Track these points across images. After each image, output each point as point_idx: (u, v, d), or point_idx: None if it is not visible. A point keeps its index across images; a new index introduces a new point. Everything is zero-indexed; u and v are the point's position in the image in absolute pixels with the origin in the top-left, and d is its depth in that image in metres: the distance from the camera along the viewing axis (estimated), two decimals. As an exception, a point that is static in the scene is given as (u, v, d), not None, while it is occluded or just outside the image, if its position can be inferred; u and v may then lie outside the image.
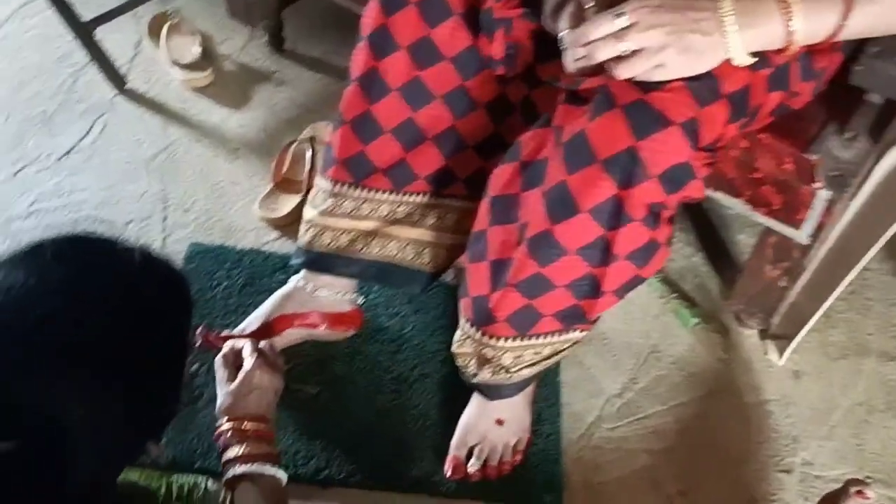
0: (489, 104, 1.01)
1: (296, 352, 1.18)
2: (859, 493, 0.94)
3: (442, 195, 1.08)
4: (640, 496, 1.12)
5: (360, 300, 1.23)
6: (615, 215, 0.82)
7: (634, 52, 0.76)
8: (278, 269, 1.31)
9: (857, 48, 0.87)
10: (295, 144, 1.43)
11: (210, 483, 1.01)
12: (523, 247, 0.88)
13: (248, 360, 1.00)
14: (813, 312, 1.17)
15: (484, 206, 0.95)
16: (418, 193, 1.07)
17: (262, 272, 1.30)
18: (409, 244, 1.12)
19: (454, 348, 1.04)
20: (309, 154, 1.41)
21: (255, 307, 1.21)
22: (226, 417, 0.95)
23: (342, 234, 1.09)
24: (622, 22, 0.76)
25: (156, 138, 1.52)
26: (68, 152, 1.49)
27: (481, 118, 1.02)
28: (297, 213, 1.38)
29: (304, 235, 1.11)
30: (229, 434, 0.93)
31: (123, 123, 1.54)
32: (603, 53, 0.76)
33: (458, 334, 1.03)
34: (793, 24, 0.75)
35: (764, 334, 1.27)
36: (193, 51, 1.62)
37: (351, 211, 1.07)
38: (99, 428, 0.60)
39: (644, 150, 0.78)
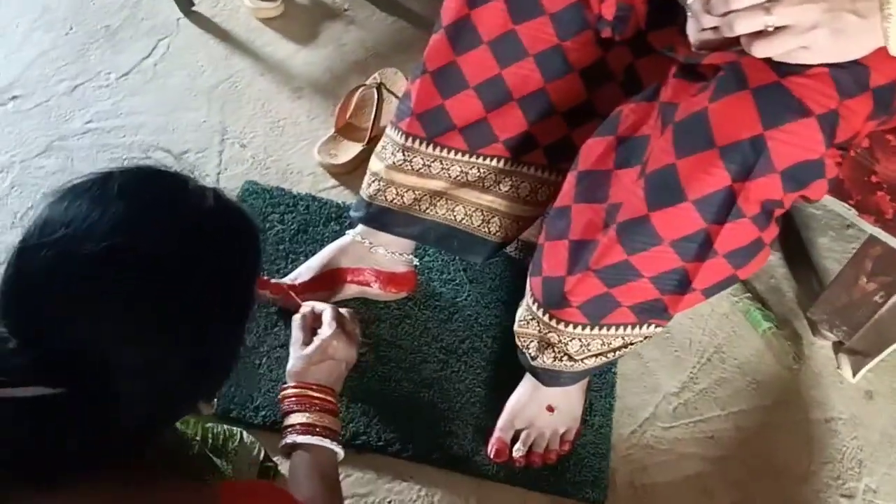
0: (586, 69, 0.92)
1: (344, 307, 1.13)
2: None
3: (519, 162, 1.01)
4: (685, 502, 1.06)
5: (416, 262, 1.17)
6: (724, 208, 0.74)
7: (779, 28, 0.66)
8: (333, 218, 1.25)
9: None
10: (361, 89, 1.36)
11: (245, 435, 0.97)
12: (612, 230, 0.81)
13: (327, 328, 0.94)
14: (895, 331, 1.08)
15: (570, 180, 0.88)
16: (494, 158, 1.00)
17: (317, 220, 1.24)
18: (476, 210, 1.05)
19: (517, 327, 0.98)
20: (375, 101, 1.34)
21: (307, 256, 1.17)
22: (294, 382, 0.91)
23: (408, 191, 1.03)
24: None
25: (218, 67, 1.46)
26: (129, 72, 1.44)
27: (575, 83, 0.93)
28: (357, 161, 1.32)
29: (368, 188, 1.05)
30: (295, 400, 0.89)
31: (187, 47, 1.48)
32: (743, 26, 0.67)
33: (521, 312, 0.97)
34: None
35: (839, 348, 1.18)
36: (266, -21, 1.55)
37: (420, 168, 1.01)
38: (155, 377, 0.56)
39: (773, 140, 0.70)
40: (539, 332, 0.93)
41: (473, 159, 1.00)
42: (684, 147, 0.75)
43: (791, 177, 0.75)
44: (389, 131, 1.02)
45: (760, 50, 0.68)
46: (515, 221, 1.06)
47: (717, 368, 1.17)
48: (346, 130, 1.35)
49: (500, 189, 1.03)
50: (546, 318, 0.91)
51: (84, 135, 1.35)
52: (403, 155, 1.00)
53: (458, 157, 1.00)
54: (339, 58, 1.50)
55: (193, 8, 1.53)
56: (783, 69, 0.70)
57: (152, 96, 1.40)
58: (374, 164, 1.05)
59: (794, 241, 1.33)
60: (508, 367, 1.07)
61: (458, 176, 1.01)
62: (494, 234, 1.07)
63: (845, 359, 1.17)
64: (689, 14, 0.72)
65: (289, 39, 1.52)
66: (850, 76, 0.70)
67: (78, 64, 1.44)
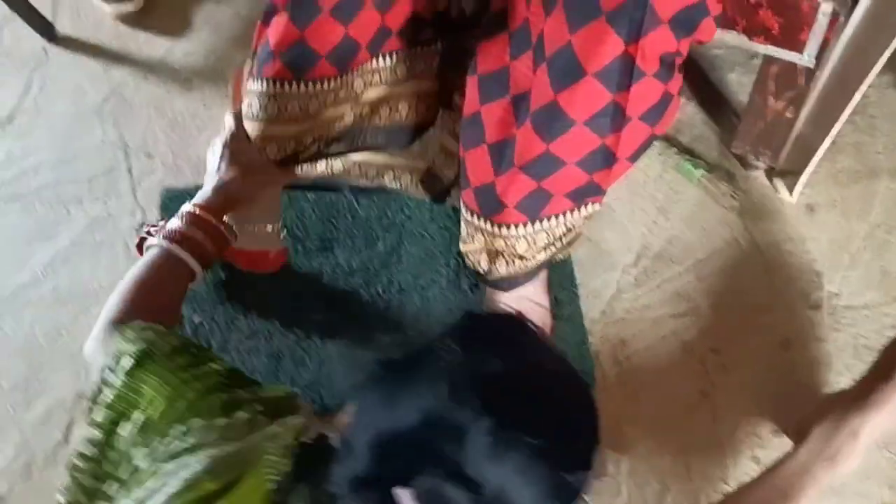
0: None
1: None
2: None
3: (382, 55, 1.01)
4: (672, 362, 1.10)
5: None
6: (626, 74, 0.76)
7: None
8: (259, 198, 1.24)
9: None
10: (249, 61, 1.33)
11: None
12: (527, 122, 0.82)
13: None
14: (821, 141, 1.11)
15: (472, 84, 0.88)
16: (359, 68, 0.99)
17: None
18: (366, 107, 1.05)
19: (462, 247, 0.99)
20: (266, 71, 1.31)
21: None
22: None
23: (290, 140, 1.02)
24: None
25: (100, 83, 1.41)
26: (11, 115, 1.38)
27: None
28: (266, 136, 1.30)
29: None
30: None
31: (62, 73, 1.42)
32: None
33: (463, 231, 0.98)
34: None
35: (772, 173, 1.22)
36: (118, -22, 1.49)
37: (297, 113, 0.99)
38: None
39: None
40: (485, 243, 0.95)
41: (344, 77, 0.99)
42: (575, 21, 0.76)
43: (679, 23, 0.76)
44: (252, 85, 0.99)
45: None
46: (415, 99, 1.06)
47: (664, 228, 1.20)
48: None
49: (377, 82, 1.03)
50: (488, 227, 0.92)
51: (-14, 191, 1.31)
52: (276, 103, 0.97)
53: (331, 84, 0.98)
54: (217, 38, 1.45)
55: (56, 33, 1.47)
56: None
57: (43, 132, 1.36)
58: (250, 127, 1.02)
59: (705, 85, 1.34)
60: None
61: (332, 99, 1.00)
62: (397, 117, 1.07)
63: (779, 181, 1.20)
64: None
65: (162, 35, 1.46)
66: None
67: (-43, 123, 1.38)
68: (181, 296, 0.91)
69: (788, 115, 1.09)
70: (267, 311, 1.13)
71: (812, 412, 0.89)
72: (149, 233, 0.95)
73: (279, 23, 0.92)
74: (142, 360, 0.73)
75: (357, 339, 1.11)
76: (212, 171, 0.98)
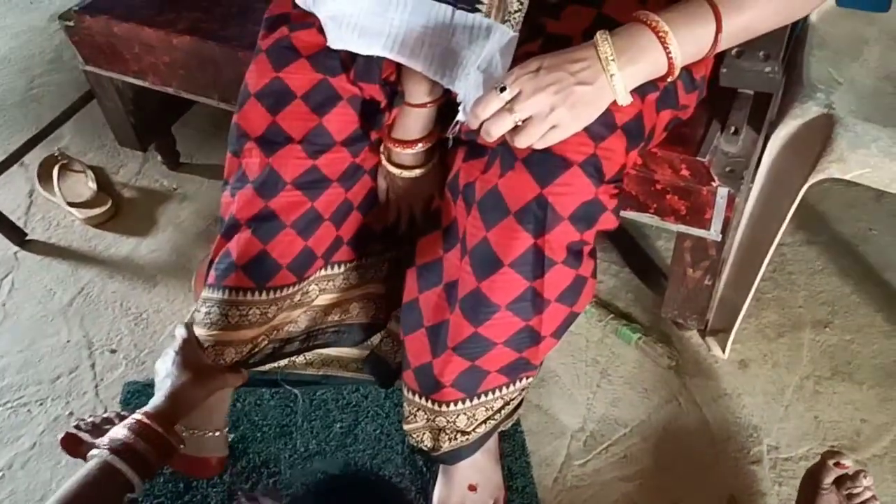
0: (374, 168, 1.05)
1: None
2: (838, 464, 0.98)
3: (334, 264, 1.10)
4: (625, 525, 1.12)
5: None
6: (538, 263, 0.84)
7: (527, 120, 0.77)
8: (219, 387, 1.28)
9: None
10: (209, 256, 1.42)
11: None
12: (457, 308, 0.90)
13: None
14: (742, 301, 1.20)
15: (411, 275, 0.97)
16: (316, 272, 1.08)
17: (204, 395, 1.27)
18: (319, 309, 1.13)
19: (405, 426, 1.03)
20: (225, 265, 1.40)
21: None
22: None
23: (247, 344, 1.06)
24: (507, 95, 0.76)
25: (67, 284, 1.48)
26: (-20, 321, 1.44)
27: (367, 180, 1.06)
28: (226, 326, 1.37)
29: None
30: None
31: (31, 276, 1.50)
32: (498, 129, 0.77)
33: (406, 409, 1.03)
34: (672, 52, 0.77)
35: (703, 333, 1.30)
36: (89, 187, 1.61)
37: (257, 318, 1.05)
38: None
39: (551, 195, 0.81)
40: (427, 420, 0.99)
41: (300, 284, 1.07)
42: (489, 220, 0.86)
43: (578, 219, 0.85)
44: (212, 294, 1.03)
45: (521, 142, 0.78)
46: (366, 301, 1.14)
47: (608, 392, 1.25)
48: (206, 301, 1.39)
49: (331, 288, 1.11)
50: (429, 405, 0.97)
51: (-49, 398, 1.34)
52: (238, 310, 1.03)
53: (288, 290, 1.06)
54: (181, 235, 1.55)
55: (27, 238, 1.56)
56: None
57: (9, 335, 1.41)
58: (201, 332, 1.04)
59: (636, 254, 1.45)
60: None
61: (289, 304, 1.07)
62: (356, 315, 1.14)
63: (711, 340, 1.28)
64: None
65: (129, 235, 1.56)
66: (598, 123, 0.81)
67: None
68: None
69: (707, 282, 1.18)
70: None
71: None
72: (78, 426, 0.98)
73: (242, 238, 1.00)
74: None
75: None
76: (162, 378, 1.02)
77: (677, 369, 1.27)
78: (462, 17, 0.85)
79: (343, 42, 0.90)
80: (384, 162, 1.02)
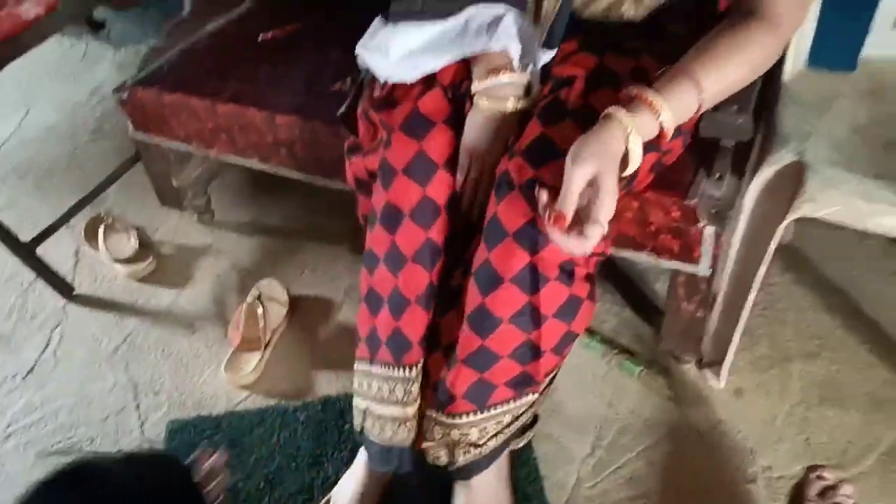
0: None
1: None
2: (819, 477, 1.08)
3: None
4: (634, 543, 1.21)
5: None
6: (534, 279, 0.97)
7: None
8: (255, 424, 1.39)
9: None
10: (245, 306, 1.55)
11: None
12: (465, 324, 1.02)
13: None
14: (732, 332, 1.31)
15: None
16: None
17: (242, 431, 1.38)
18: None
19: (424, 445, 1.13)
20: (260, 311, 1.53)
21: (242, 465, 1.30)
22: None
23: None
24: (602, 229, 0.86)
25: (113, 334, 1.61)
26: (32, 369, 1.56)
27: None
28: (260, 368, 1.48)
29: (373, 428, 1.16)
30: None
31: (79, 327, 1.63)
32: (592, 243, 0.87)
33: (424, 427, 1.13)
34: (663, 118, 0.90)
35: (700, 364, 1.41)
36: (131, 245, 1.75)
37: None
38: None
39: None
40: (443, 435, 1.10)
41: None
42: (490, 242, 0.99)
43: None
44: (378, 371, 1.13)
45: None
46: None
47: (614, 421, 1.36)
48: (243, 345, 1.52)
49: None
50: (444, 418, 1.08)
51: (7, 439, 1.45)
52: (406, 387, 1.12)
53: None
54: (217, 287, 1.69)
55: (75, 292, 1.70)
56: (536, 164, 0.94)
57: (60, 381, 1.53)
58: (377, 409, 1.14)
59: (637, 294, 1.58)
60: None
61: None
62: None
63: (707, 371, 1.39)
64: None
65: (169, 287, 1.70)
66: None
67: (-17, 378, 1.56)
68: None
69: (699, 314, 1.30)
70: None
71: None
72: None
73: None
74: None
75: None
76: None
77: (677, 399, 1.37)
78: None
79: (419, 69, 1.04)
80: (476, 100, 1.05)
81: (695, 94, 0.92)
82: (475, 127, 1.05)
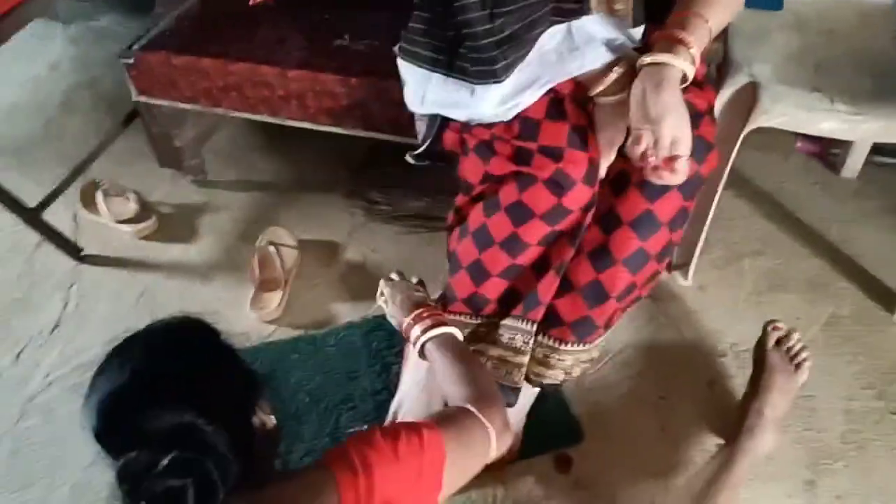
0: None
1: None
2: (774, 327, 1.33)
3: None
4: (633, 410, 1.44)
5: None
6: (650, 226, 1.15)
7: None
8: (289, 352, 1.54)
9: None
10: (257, 249, 1.68)
11: None
12: (583, 256, 1.18)
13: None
14: (698, 239, 1.56)
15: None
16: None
17: (279, 359, 1.53)
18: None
19: (522, 359, 1.25)
20: (274, 251, 1.66)
21: (285, 386, 1.45)
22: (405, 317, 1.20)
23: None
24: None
25: (131, 287, 1.71)
26: (57, 325, 1.65)
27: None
28: (283, 304, 1.62)
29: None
30: (408, 324, 1.19)
31: (96, 285, 1.72)
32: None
33: (518, 340, 1.24)
34: (693, 51, 1.06)
35: (670, 267, 1.65)
36: (132, 206, 1.84)
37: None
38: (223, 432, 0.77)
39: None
40: (539, 354, 1.24)
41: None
42: (652, 194, 1.14)
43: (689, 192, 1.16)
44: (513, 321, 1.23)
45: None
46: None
47: (604, 319, 1.58)
48: (263, 285, 1.65)
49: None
50: (547, 340, 1.23)
51: (49, 387, 1.54)
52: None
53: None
54: (222, 238, 1.80)
55: (83, 253, 1.78)
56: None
57: (88, 332, 1.62)
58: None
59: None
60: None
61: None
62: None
63: (677, 273, 1.63)
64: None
65: (175, 242, 1.80)
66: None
67: (10, 339, 1.63)
68: None
69: (671, 221, 1.53)
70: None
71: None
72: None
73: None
74: None
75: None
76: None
77: (654, 297, 1.61)
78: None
79: (516, 110, 1.17)
80: (597, 99, 1.17)
81: (706, 29, 1.11)
82: (602, 123, 1.18)
